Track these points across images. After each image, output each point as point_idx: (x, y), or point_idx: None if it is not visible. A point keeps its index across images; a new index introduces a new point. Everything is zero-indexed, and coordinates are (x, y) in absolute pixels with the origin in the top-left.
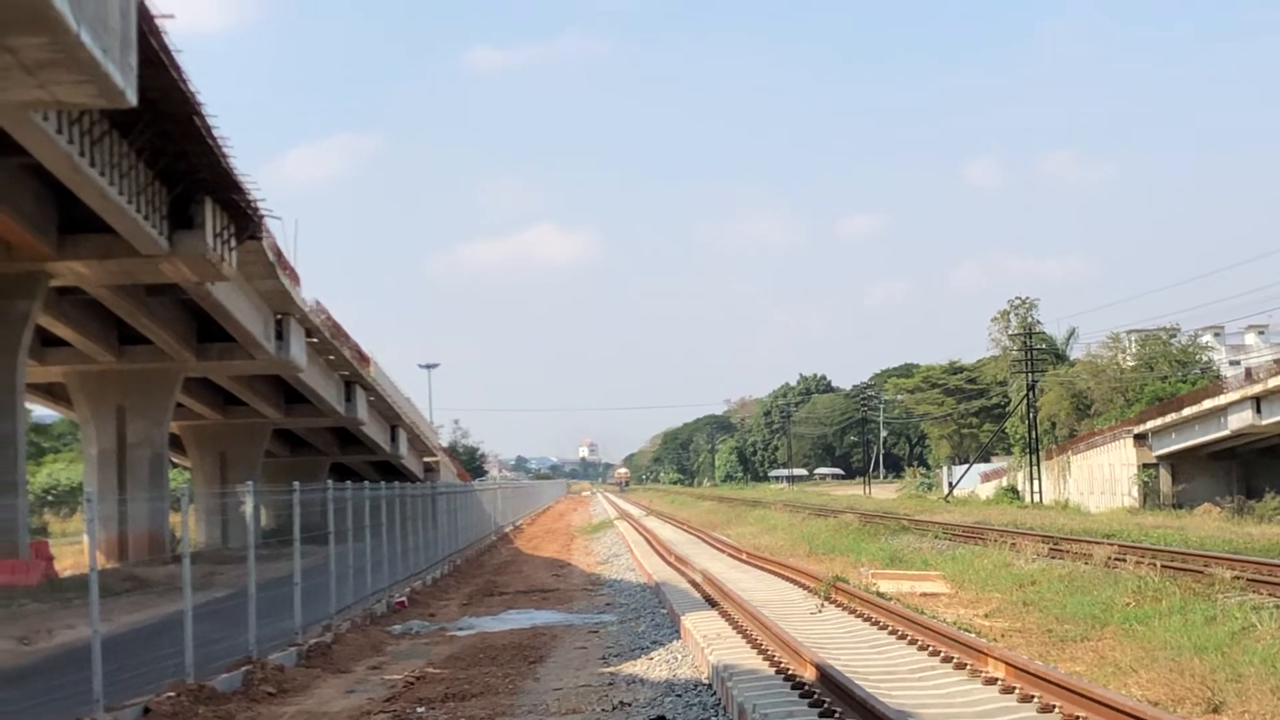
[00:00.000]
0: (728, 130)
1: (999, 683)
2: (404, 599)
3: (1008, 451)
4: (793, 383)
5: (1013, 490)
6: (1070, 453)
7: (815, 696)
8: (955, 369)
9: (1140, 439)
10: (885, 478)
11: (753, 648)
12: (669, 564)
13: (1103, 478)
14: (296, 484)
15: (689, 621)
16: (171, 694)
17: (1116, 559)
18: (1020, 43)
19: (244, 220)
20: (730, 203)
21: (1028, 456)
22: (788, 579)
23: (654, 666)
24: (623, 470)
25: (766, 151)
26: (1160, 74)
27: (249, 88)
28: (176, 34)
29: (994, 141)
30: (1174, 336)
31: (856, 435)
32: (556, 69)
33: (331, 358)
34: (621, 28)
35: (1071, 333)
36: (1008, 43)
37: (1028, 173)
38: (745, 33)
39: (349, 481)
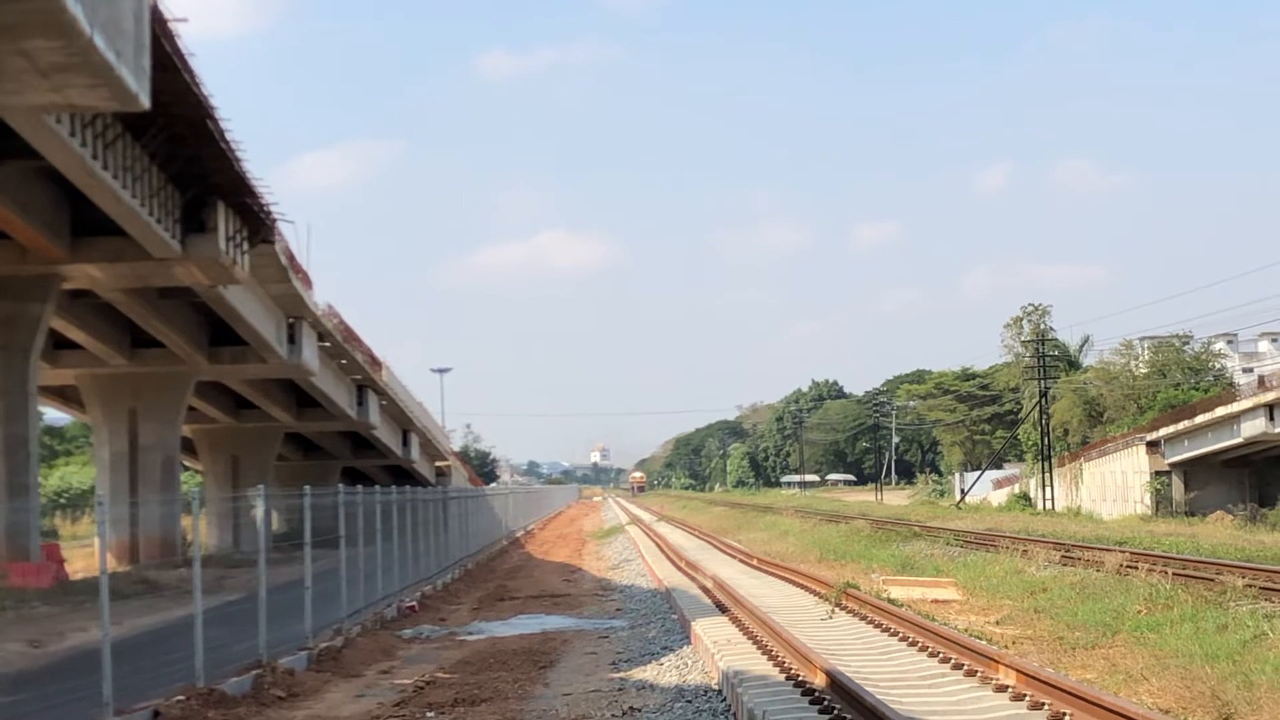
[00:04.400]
0: (740, 137)
1: (1009, 690)
2: (415, 603)
3: (1020, 458)
4: (805, 388)
5: (1025, 497)
6: (1083, 460)
7: (825, 703)
8: (968, 375)
9: (1153, 446)
10: (897, 484)
11: (763, 654)
12: (680, 569)
13: (1115, 485)
14: (307, 488)
15: (699, 627)
16: (181, 697)
17: (1128, 566)
18: (1031, 48)
19: (257, 224)
20: (743, 209)
21: (1040, 463)
22: (798, 585)
23: (664, 672)
24: (638, 474)
25: (779, 158)
26: (1171, 80)
27: (262, 93)
28: (190, 38)
29: (1006, 148)
30: (1187, 344)
31: (868, 441)
32: (570, 75)
33: (344, 362)
34: (635, 34)
35: (1086, 340)
36: (1018, 49)
37: (1040, 179)
38: (757, 41)
39: (360, 486)
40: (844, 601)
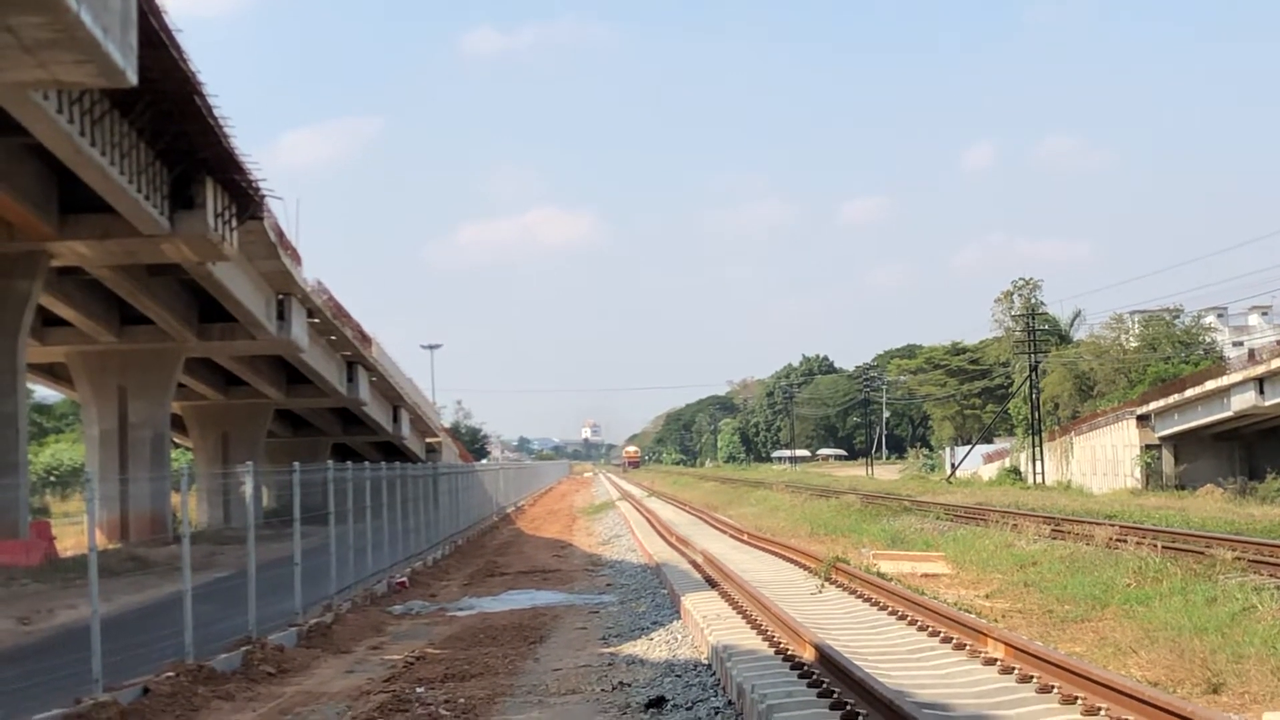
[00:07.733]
0: (729, 114)
1: (998, 663)
2: (405, 579)
3: (1010, 432)
4: (795, 363)
5: (1015, 471)
6: (1073, 434)
7: (814, 677)
8: (958, 350)
9: (1143, 420)
10: (888, 459)
11: (752, 628)
12: (670, 545)
13: (1105, 459)
14: (297, 464)
15: (689, 602)
16: (171, 674)
17: (1118, 540)
18: (1018, 24)
19: (245, 200)
20: (732, 185)
21: (1030, 437)
22: (788, 560)
23: (654, 647)
24: (631, 449)
25: (767, 135)
26: (1159, 56)
27: (249, 69)
28: (176, 14)
29: (993, 124)
30: (1177, 317)
31: (859, 416)
32: (558, 51)
33: (333, 338)
34: (621, 10)
35: (1077, 314)
36: (1005, 24)
37: (1027, 155)
38: (744, 17)
39: (350, 462)
40: (834, 576)
